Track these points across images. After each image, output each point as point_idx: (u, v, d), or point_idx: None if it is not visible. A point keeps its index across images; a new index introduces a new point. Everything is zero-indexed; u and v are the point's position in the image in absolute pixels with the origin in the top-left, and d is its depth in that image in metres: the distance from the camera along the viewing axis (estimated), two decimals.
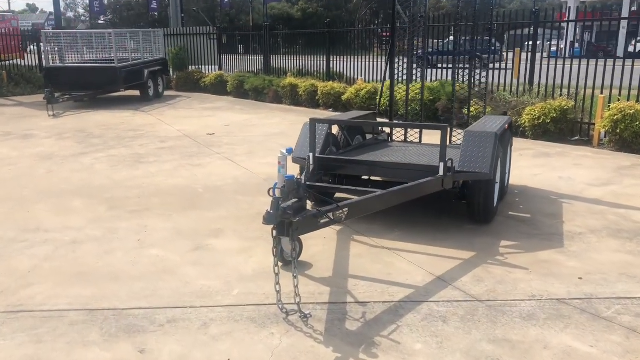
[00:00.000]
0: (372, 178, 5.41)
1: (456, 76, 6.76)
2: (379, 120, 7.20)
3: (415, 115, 10.76)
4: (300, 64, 15.71)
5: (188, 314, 3.36)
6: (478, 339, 3.04)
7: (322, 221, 3.37)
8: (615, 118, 8.13)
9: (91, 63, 15.04)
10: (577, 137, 9.51)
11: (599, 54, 12.41)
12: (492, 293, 3.59)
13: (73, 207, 5.56)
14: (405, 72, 7.24)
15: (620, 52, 17.88)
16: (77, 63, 15.24)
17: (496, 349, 2.95)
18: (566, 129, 9.30)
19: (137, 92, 15.50)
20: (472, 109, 10.28)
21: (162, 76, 16.71)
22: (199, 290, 3.68)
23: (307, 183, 4.09)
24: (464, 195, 4.99)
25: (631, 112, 8.03)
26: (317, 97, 13.77)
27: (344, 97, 12.95)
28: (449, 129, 5.53)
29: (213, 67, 19.15)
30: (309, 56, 15.40)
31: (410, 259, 4.14)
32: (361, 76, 13.60)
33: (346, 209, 3.44)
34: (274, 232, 3.22)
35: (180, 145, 8.92)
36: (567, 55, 11.61)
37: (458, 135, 6.61)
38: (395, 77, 7.31)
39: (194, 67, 19.39)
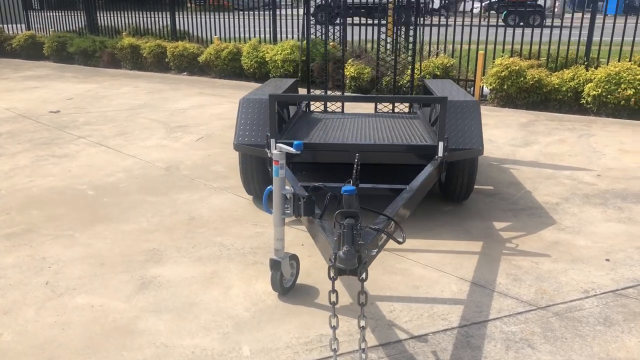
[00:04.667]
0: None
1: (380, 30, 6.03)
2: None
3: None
4: (137, 21, 13.68)
5: None
6: None
7: (379, 242, 2.48)
8: (502, 75, 8.23)
9: None
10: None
11: None
12: (544, 295, 3.08)
13: None
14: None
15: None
16: None
17: None
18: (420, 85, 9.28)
19: None
20: (350, 68, 9.80)
21: None
22: (191, 356, 2.56)
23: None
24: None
25: (516, 68, 8.18)
26: (166, 60, 12.12)
27: (201, 59, 11.56)
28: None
29: (19, 25, 15.95)
30: (149, 12, 13.43)
31: (423, 261, 3.45)
32: (216, 34, 12.23)
33: (396, 219, 2.59)
34: (332, 272, 2.21)
35: (22, 129, 6.97)
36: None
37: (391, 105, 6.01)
38: (312, 36, 6.30)
39: None
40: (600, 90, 7.60)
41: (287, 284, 3.08)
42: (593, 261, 3.48)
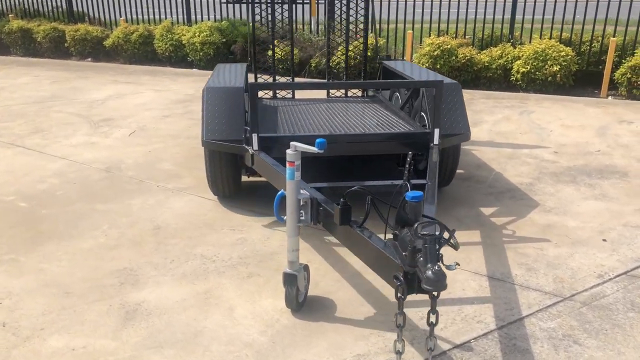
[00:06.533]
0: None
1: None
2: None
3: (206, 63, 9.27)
4: (25, 1, 12.22)
5: None
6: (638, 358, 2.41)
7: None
8: (434, 54, 8.22)
9: None
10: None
11: None
12: (564, 284, 2.98)
13: None
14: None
15: None
16: None
17: None
18: (377, 67, 9.16)
19: None
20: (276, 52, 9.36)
21: None
22: None
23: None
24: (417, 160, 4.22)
25: (448, 47, 8.21)
26: (65, 45, 10.96)
27: (108, 43, 10.58)
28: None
29: None
30: None
31: None
32: (121, 16, 11.22)
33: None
34: (400, 292, 1.91)
35: None
36: None
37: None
38: (258, 16, 5.79)
39: None
40: (528, 67, 7.82)
41: (299, 297, 2.73)
42: (592, 243, 3.45)
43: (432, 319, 1.98)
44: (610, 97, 7.79)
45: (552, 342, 2.50)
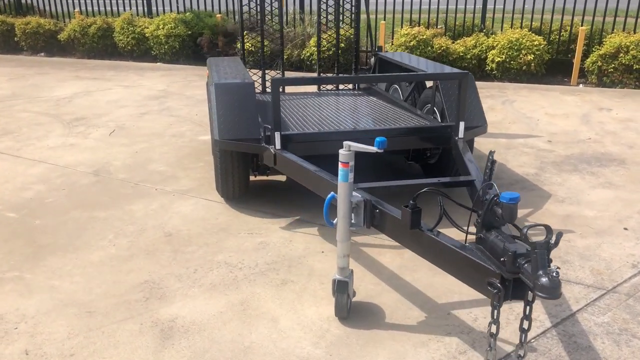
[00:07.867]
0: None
1: None
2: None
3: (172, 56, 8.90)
4: None
5: None
6: None
7: None
8: (410, 44, 8.19)
9: None
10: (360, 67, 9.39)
11: None
12: (602, 276, 2.97)
13: None
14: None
15: None
16: None
17: None
18: (352, 58, 9.05)
19: None
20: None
21: None
22: None
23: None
24: (423, 155, 4.14)
25: (423, 37, 8.19)
26: (15, 39, 10.31)
27: (62, 37, 10.01)
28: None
29: None
30: None
31: None
32: (74, 8, 10.63)
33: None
34: (496, 299, 1.81)
35: None
36: None
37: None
38: (246, 7, 5.52)
39: None
40: (503, 57, 7.90)
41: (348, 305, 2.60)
42: (614, 232, 3.47)
43: (525, 325, 1.88)
44: (580, 85, 7.97)
45: (611, 338, 2.47)
